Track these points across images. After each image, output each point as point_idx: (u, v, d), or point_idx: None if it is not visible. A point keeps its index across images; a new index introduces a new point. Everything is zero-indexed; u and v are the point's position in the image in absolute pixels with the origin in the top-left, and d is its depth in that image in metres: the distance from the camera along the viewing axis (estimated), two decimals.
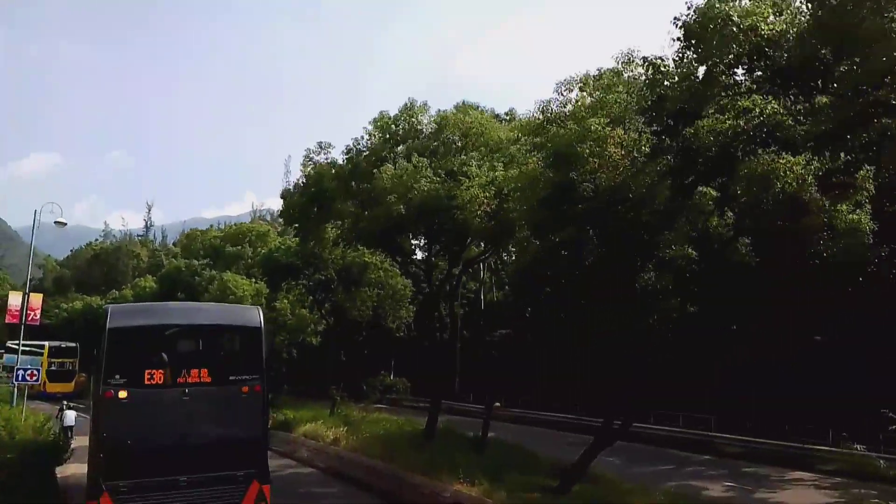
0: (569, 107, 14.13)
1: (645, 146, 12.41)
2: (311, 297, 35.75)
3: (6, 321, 37.03)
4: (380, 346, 57.27)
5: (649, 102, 13.47)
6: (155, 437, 12.25)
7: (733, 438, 28.14)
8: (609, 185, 12.59)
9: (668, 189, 12.35)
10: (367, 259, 31.74)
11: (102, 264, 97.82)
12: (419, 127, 22.89)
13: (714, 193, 12.21)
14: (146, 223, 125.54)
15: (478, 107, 22.94)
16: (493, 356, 53.52)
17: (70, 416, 27.75)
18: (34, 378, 28.20)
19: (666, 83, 13.37)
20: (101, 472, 11.85)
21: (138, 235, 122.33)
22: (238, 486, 12.67)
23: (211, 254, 43.56)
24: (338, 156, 24.69)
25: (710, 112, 12.18)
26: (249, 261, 42.55)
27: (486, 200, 17.21)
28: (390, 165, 21.10)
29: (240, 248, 42.19)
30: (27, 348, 61.03)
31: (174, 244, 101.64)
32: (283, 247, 32.16)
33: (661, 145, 12.44)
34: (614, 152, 12.28)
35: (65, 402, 31.56)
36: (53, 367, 52.85)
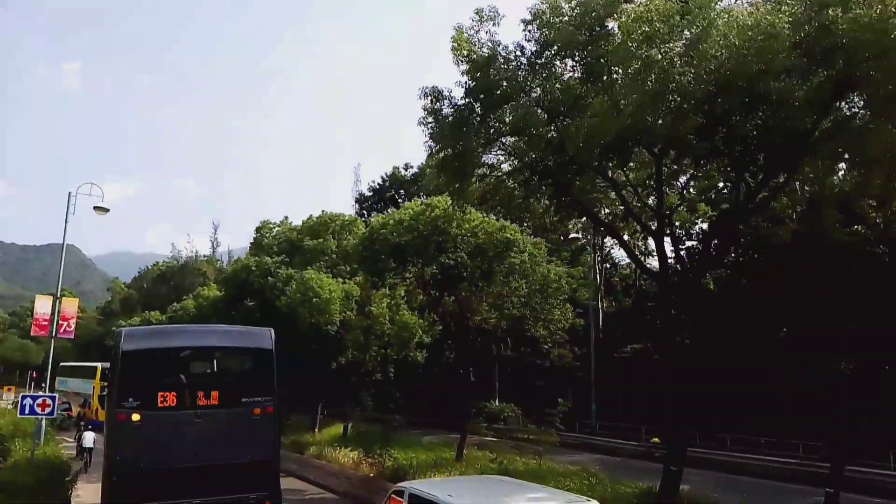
0: None
1: None
2: (421, 296, 25.56)
3: (31, 332, 28.37)
4: (480, 362, 46.83)
5: None
6: (167, 460, 11.79)
7: None
8: None
9: None
10: (509, 235, 21.42)
11: (168, 283, 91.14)
12: None
13: None
14: (212, 243, 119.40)
15: None
16: (625, 377, 42.53)
17: (89, 438, 26.33)
18: (46, 410, 18.87)
19: None
20: (114, 495, 11.53)
21: (204, 256, 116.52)
22: None
23: (287, 249, 34.16)
24: (510, 36, 14.36)
25: None
26: (334, 255, 32.85)
27: None
28: None
29: (321, 240, 32.61)
30: (75, 370, 53.11)
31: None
32: (391, 221, 22.02)
33: None
34: None
35: (82, 424, 29.62)
36: (106, 392, 44.21)
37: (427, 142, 13.82)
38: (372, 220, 24.77)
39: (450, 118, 13.24)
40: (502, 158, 15.67)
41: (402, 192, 63.06)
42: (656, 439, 32.59)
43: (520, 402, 44.89)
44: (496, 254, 21.52)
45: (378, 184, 66.23)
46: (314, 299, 28.76)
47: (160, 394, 12.07)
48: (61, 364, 56.12)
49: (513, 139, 13.96)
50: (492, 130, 13.07)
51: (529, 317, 22.10)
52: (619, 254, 54.51)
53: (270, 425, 12.81)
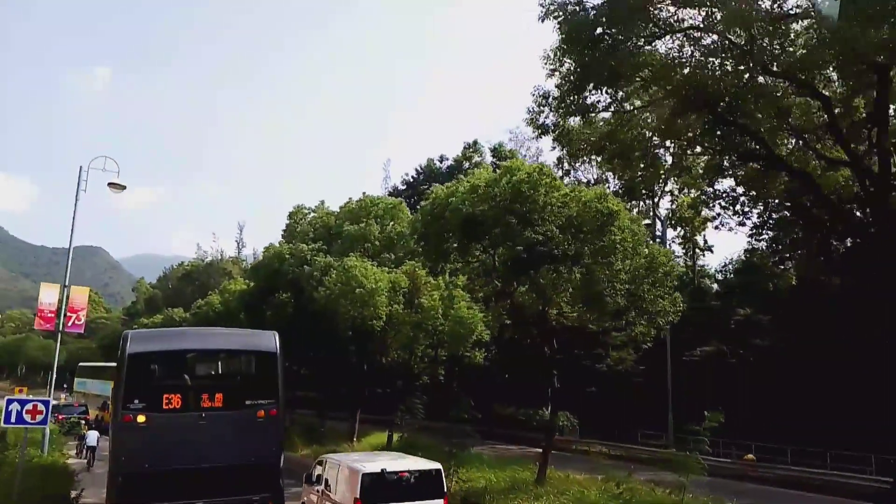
0: None
1: None
2: (487, 285, 21.19)
3: (35, 325, 24.46)
4: (524, 366, 42.16)
5: None
6: (172, 461, 11.69)
7: None
8: None
9: None
10: (612, 205, 16.96)
11: (194, 282, 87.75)
12: None
13: None
14: (238, 244, 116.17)
15: None
16: (695, 383, 37.64)
17: (92, 437, 25.73)
18: (37, 418, 14.83)
19: None
20: (120, 496, 11.51)
21: (230, 257, 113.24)
22: None
23: (323, 236, 30.06)
24: None
25: None
26: (377, 243, 28.66)
27: None
28: None
29: (363, 225, 28.41)
30: (95, 371, 49.41)
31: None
32: (460, 190, 17.75)
33: None
34: None
35: (82, 423, 29.10)
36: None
37: (558, 32, 9.32)
38: (435, 190, 20.42)
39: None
40: (635, 86, 11.31)
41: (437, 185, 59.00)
42: (751, 456, 27.78)
43: (570, 410, 40.23)
44: (592, 229, 17.07)
45: (412, 177, 62.12)
46: (357, 290, 24.56)
47: (165, 396, 11.93)
48: (80, 364, 52.68)
49: (676, 43, 9.52)
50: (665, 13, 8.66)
51: (632, 308, 17.57)
52: (675, 249, 49.65)
53: (274, 428, 12.74)
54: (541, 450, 34.80)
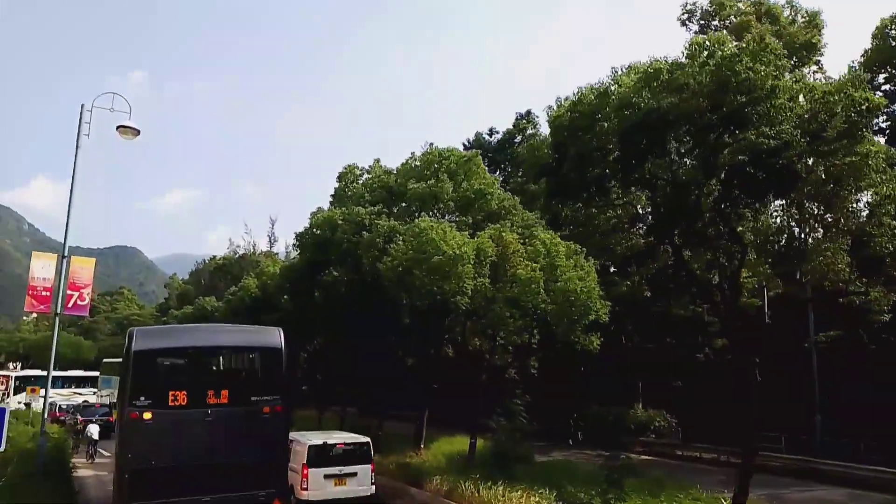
0: None
1: None
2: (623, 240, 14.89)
3: (25, 307, 18.91)
4: (610, 357, 35.60)
5: None
6: (179, 458, 11.62)
7: None
8: None
9: None
10: (871, 99, 10.62)
11: (226, 275, 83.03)
12: None
13: None
14: (269, 238, 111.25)
15: None
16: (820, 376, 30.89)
17: (94, 430, 25.13)
18: None
19: None
20: (126, 493, 11.38)
21: (262, 251, 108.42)
22: None
23: (383, 198, 24.04)
24: None
25: None
26: (450, 203, 22.56)
27: None
28: None
29: (433, 182, 22.32)
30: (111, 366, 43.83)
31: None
32: (629, 80, 11.40)
33: None
34: None
35: (79, 417, 29.56)
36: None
37: None
38: (566, 101, 14.02)
39: None
40: None
41: (485, 160, 52.77)
42: None
43: (663, 409, 33.65)
44: (836, 135, 10.71)
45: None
46: (435, 258, 18.50)
47: (171, 392, 11.72)
48: (104, 361, 47.55)
49: None
50: None
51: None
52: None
53: (280, 424, 12.50)
54: (643, 455, 28.40)
